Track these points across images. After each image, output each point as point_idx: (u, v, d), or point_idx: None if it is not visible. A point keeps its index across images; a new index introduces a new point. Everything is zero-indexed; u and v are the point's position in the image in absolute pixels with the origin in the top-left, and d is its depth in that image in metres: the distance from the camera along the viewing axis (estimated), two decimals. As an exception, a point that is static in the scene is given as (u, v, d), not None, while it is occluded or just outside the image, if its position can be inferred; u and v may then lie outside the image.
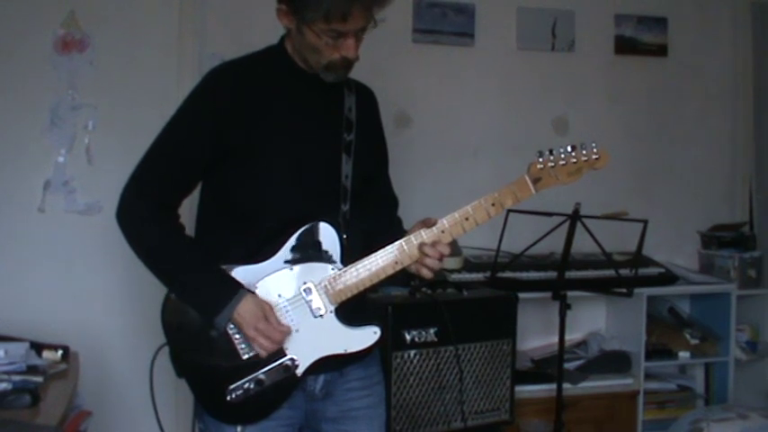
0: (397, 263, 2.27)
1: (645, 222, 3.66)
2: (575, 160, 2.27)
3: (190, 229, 2.38)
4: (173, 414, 3.81)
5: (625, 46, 4.87)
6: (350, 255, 2.29)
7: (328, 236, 2.27)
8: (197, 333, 2.27)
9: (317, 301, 2.27)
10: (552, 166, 2.26)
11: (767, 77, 5.03)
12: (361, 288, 2.28)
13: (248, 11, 4.12)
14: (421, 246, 2.26)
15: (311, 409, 2.39)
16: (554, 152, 2.26)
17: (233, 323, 2.23)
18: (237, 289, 2.23)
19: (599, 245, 3.66)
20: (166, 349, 2.32)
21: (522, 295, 3.86)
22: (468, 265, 4.24)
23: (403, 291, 3.64)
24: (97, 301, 3.98)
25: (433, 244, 2.26)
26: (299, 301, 2.27)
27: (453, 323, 3.50)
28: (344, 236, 2.29)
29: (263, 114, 2.27)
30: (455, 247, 4.18)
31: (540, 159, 2.27)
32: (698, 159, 5.02)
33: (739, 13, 5.05)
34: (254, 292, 2.25)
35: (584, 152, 2.28)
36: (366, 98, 2.50)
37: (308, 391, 2.35)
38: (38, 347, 3.30)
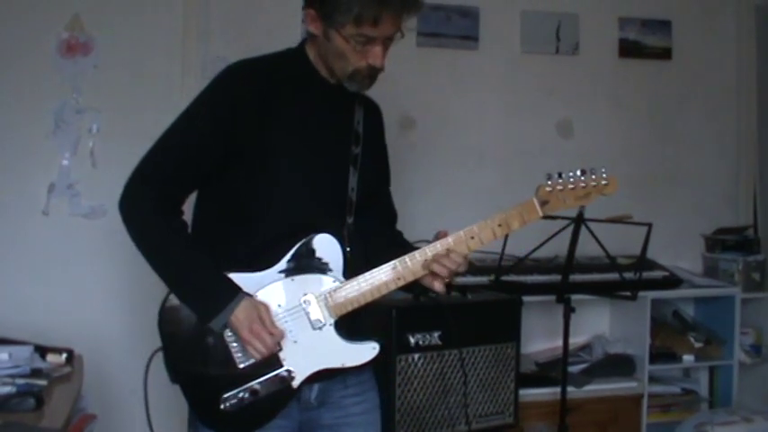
0: (399, 278, 2.26)
1: (649, 226, 3.66)
2: (584, 185, 2.26)
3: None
4: (176, 420, 3.80)
5: (629, 49, 4.86)
6: (352, 268, 2.27)
7: (332, 248, 2.25)
8: (193, 340, 2.25)
9: (317, 313, 2.24)
10: (561, 190, 2.25)
11: (771, 81, 5.04)
12: (363, 302, 2.26)
13: (252, 14, 4.13)
14: (432, 260, 2.24)
15: (306, 418, 2.36)
16: (563, 176, 2.25)
17: (230, 327, 2.21)
18: (236, 292, 2.20)
19: (603, 248, 3.65)
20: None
21: (526, 298, 3.86)
22: (472, 269, 4.18)
23: (407, 294, 3.63)
24: (101, 305, 3.98)
25: (447, 254, 2.24)
26: (298, 312, 2.24)
27: (457, 326, 3.50)
28: (348, 248, 2.28)
29: (277, 117, 2.25)
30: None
31: (549, 182, 2.25)
32: (702, 162, 5.02)
33: (743, 16, 5.04)
34: (252, 296, 2.22)
35: (593, 177, 2.26)
36: (372, 113, 2.49)
37: (302, 400, 2.32)
38: (42, 351, 3.30)
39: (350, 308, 2.25)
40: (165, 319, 2.27)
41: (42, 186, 3.93)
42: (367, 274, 2.25)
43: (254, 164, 2.23)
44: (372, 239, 2.43)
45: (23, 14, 3.89)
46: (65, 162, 3.95)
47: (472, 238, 2.26)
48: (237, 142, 2.22)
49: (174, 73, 4.06)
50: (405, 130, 4.44)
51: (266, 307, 2.22)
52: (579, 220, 3.65)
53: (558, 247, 3.81)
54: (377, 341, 2.29)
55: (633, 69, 4.87)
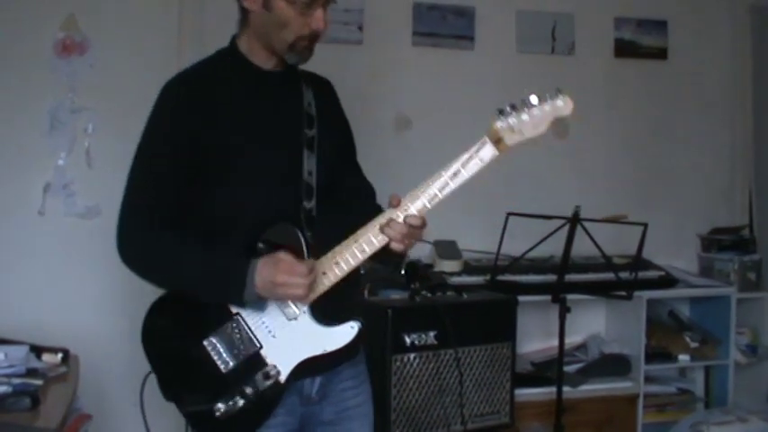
0: (363, 251, 2.21)
1: (645, 225, 3.66)
2: (538, 111, 2.20)
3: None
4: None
5: (625, 49, 4.87)
6: (318, 252, 2.23)
7: (291, 236, 2.21)
8: (176, 356, 2.25)
9: (289, 303, 2.21)
10: (515, 123, 2.20)
11: (766, 80, 5.04)
12: (333, 280, 2.21)
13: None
14: (386, 224, 2.18)
15: (307, 412, 2.35)
16: (516, 106, 2.19)
17: (261, 293, 2.15)
18: (247, 263, 2.15)
19: (599, 248, 3.66)
20: None
21: (521, 298, 3.86)
22: (468, 269, 4.24)
23: (403, 294, 3.64)
24: (97, 305, 3.97)
25: (403, 218, 2.18)
26: (270, 305, 2.22)
27: (453, 326, 3.50)
28: (308, 233, 2.24)
29: (221, 118, 2.23)
30: (453, 250, 4.19)
31: (501, 116, 2.20)
32: (698, 162, 5.02)
33: (738, 16, 5.05)
34: (261, 258, 2.17)
35: (547, 99, 2.21)
36: (324, 90, 2.47)
37: (304, 395, 2.32)
38: (37, 350, 3.30)
39: (321, 291, 2.21)
40: (149, 341, 2.31)
41: (38, 186, 3.93)
42: (329, 254, 2.21)
43: (209, 169, 2.21)
44: (347, 218, 2.34)
45: (19, 14, 3.88)
46: (60, 162, 3.95)
47: (429, 199, 2.20)
48: (197, 155, 2.20)
49: (170, 73, 3.99)
50: (400, 130, 4.44)
51: (285, 253, 2.15)
52: (575, 220, 3.65)
53: (554, 247, 3.82)
54: (356, 320, 2.25)
55: (629, 69, 4.88)
